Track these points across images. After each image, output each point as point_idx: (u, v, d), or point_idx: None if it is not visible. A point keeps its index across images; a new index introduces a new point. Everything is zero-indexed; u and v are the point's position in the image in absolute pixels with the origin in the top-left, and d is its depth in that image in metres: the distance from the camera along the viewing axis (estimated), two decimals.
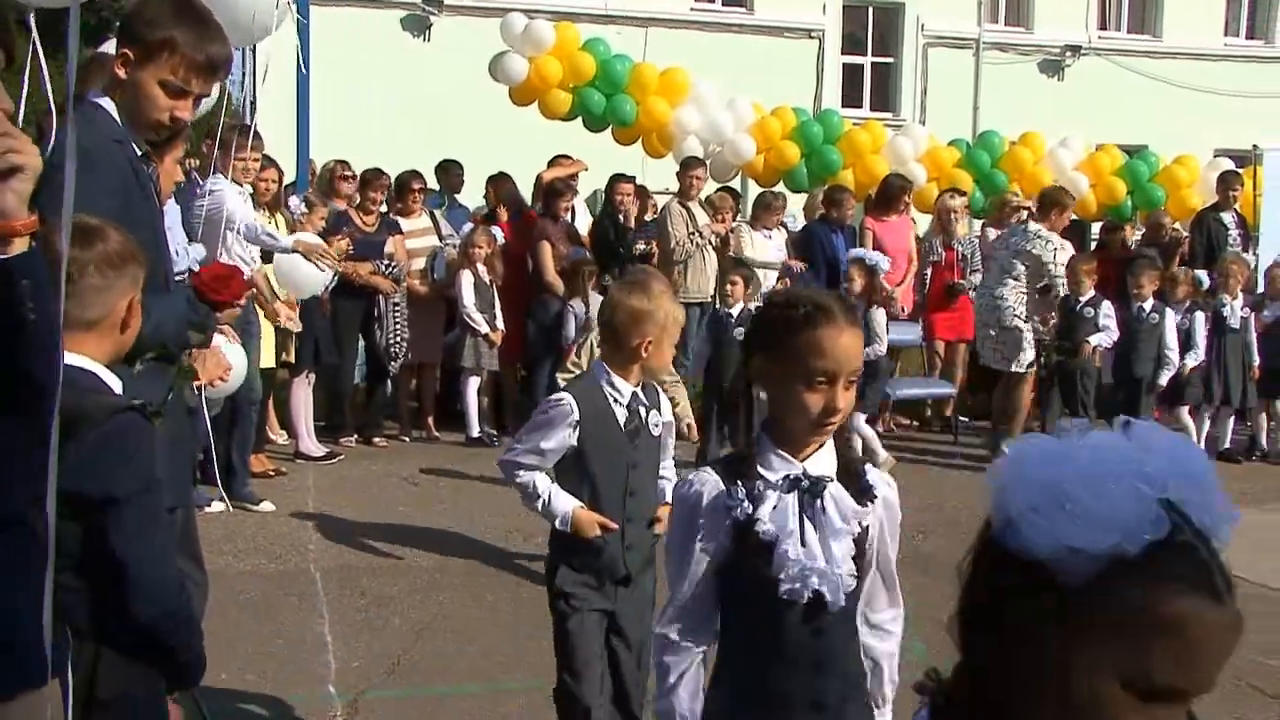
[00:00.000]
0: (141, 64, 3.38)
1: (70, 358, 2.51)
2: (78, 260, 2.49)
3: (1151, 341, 9.92)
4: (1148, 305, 9.96)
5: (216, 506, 7.74)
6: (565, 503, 3.83)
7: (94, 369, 2.55)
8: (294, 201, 10.44)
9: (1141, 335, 9.91)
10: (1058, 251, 9.99)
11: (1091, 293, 9.68)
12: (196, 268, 7.13)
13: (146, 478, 2.45)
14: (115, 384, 2.59)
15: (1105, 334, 9.57)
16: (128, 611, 2.40)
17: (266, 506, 7.94)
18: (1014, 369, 9.96)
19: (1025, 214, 11.77)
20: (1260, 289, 11.08)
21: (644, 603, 3.92)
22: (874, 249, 11.16)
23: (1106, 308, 9.61)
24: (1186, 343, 10.14)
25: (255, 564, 6.84)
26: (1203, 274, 11.07)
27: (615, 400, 3.83)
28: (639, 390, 3.89)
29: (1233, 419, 10.74)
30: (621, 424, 3.83)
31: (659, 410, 3.93)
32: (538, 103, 11.83)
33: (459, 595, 6.33)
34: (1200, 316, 10.25)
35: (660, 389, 4.10)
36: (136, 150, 3.49)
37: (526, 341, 10.42)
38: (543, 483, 3.87)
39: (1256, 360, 10.37)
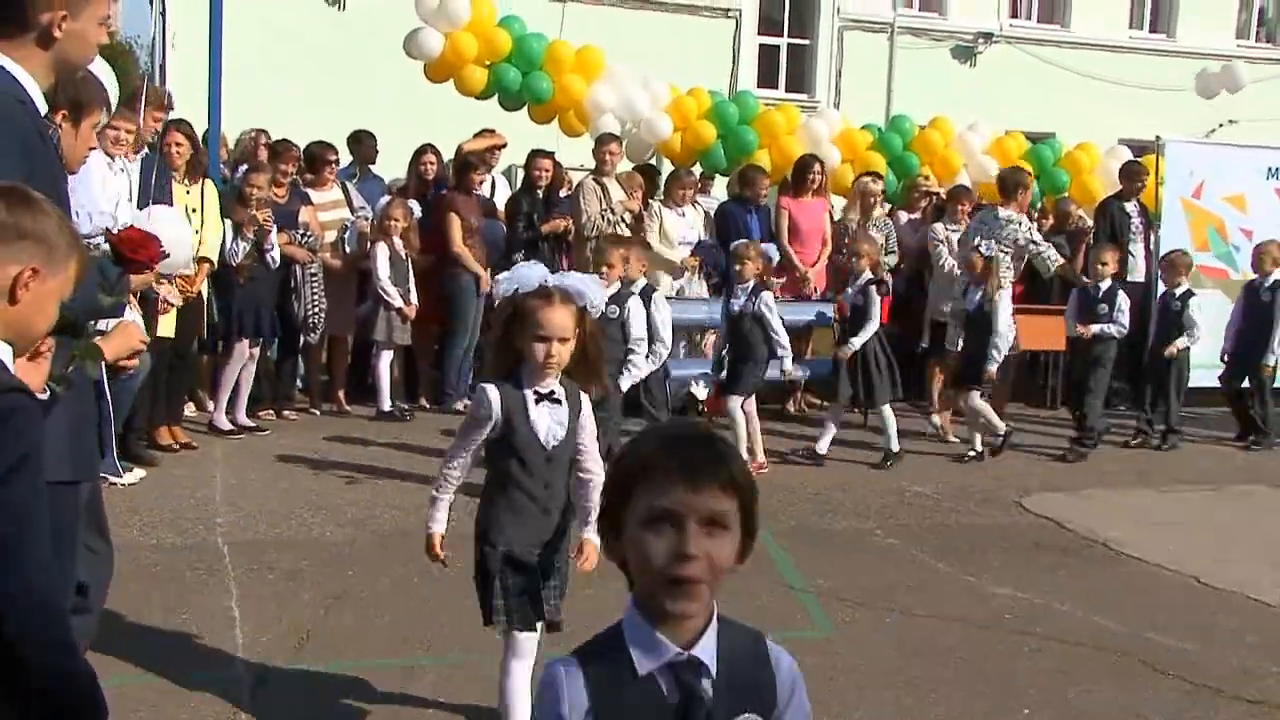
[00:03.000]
0: (78, 13, 3.41)
1: None
2: None
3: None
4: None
5: (131, 478, 7.64)
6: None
7: None
8: (239, 173, 10.29)
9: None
10: (1032, 230, 10.38)
11: (1108, 282, 10.11)
12: (100, 233, 7.05)
13: (24, 458, 2.33)
14: (6, 355, 2.51)
15: (1113, 325, 10.01)
16: None
17: (131, 478, 7.72)
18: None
19: (936, 198, 12.00)
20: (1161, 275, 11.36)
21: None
22: (789, 228, 11.31)
23: (1122, 299, 10.04)
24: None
25: (162, 538, 6.75)
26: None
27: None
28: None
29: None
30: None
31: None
32: (453, 79, 11.74)
33: (368, 569, 6.30)
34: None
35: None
36: (41, 109, 3.43)
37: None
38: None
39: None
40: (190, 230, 8.16)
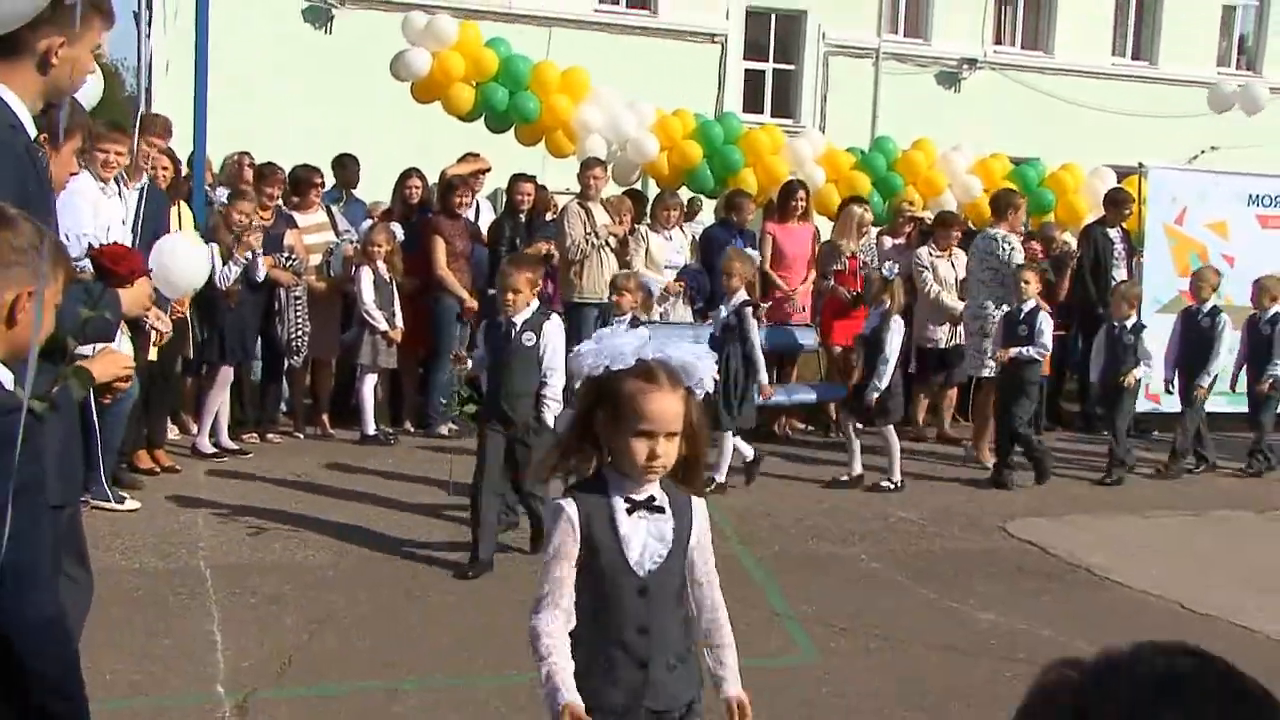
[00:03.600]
0: (74, 42, 3.45)
1: None
2: None
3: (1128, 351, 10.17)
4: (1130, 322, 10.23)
5: (129, 504, 7.64)
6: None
7: None
8: (220, 193, 10.31)
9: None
10: (1013, 251, 10.35)
11: (1031, 303, 9.81)
12: (86, 258, 7.02)
13: (29, 480, 2.37)
14: (6, 379, 2.53)
15: (1033, 348, 9.66)
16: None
17: (130, 505, 7.72)
18: (986, 374, 10.40)
19: (920, 223, 12.04)
20: (1145, 303, 11.40)
21: None
22: (774, 253, 11.33)
23: (1044, 320, 9.74)
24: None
25: (143, 561, 6.71)
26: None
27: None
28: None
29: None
30: None
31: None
32: (441, 100, 11.76)
33: (351, 593, 6.28)
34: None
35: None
36: (30, 135, 3.43)
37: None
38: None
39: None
40: (207, 253, 8.14)
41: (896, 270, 9.45)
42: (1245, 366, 10.81)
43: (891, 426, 9.33)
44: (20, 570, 2.33)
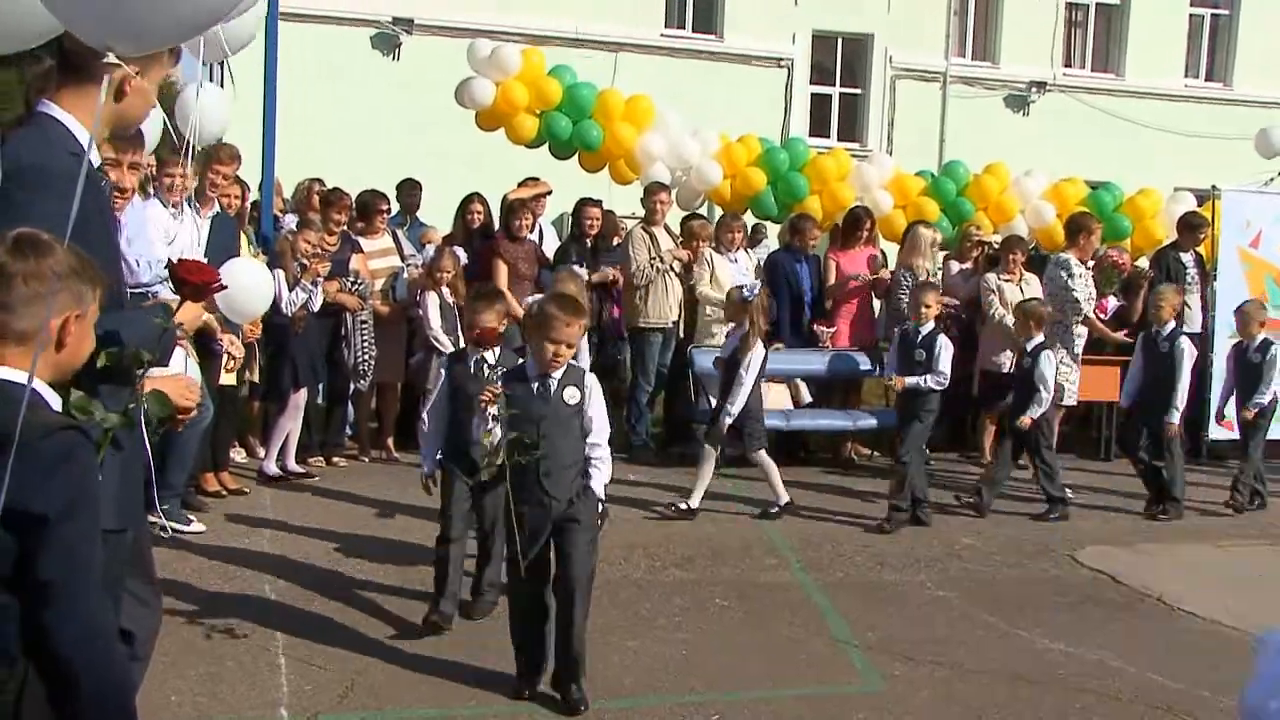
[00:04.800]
0: (146, 72, 3.52)
1: (8, 372, 2.49)
2: (7, 269, 2.49)
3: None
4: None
5: (196, 526, 7.73)
6: None
7: (32, 384, 2.52)
8: (288, 220, 10.43)
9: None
10: (1072, 278, 10.07)
11: (930, 325, 9.12)
12: (159, 282, 7.12)
13: (82, 498, 2.41)
14: (54, 401, 2.56)
15: (930, 376, 8.91)
16: (49, 631, 2.37)
17: (196, 528, 7.79)
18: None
19: (988, 248, 11.92)
20: (1218, 328, 11.20)
21: None
22: (835, 280, 11.27)
23: (943, 344, 9.02)
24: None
25: (208, 584, 6.77)
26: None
27: None
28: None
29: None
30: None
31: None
32: (504, 128, 11.83)
33: (415, 617, 6.29)
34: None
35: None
36: (95, 162, 3.48)
37: None
38: None
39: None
40: (270, 278, 8.21)
41: (757, 291, 8.94)
42: (1235, 397, 10.19)
43: (763, 451, 8.94)
44: (66, 588, 2.35)
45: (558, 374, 5.29)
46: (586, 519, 5.26)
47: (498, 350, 6.41)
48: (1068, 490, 9.48)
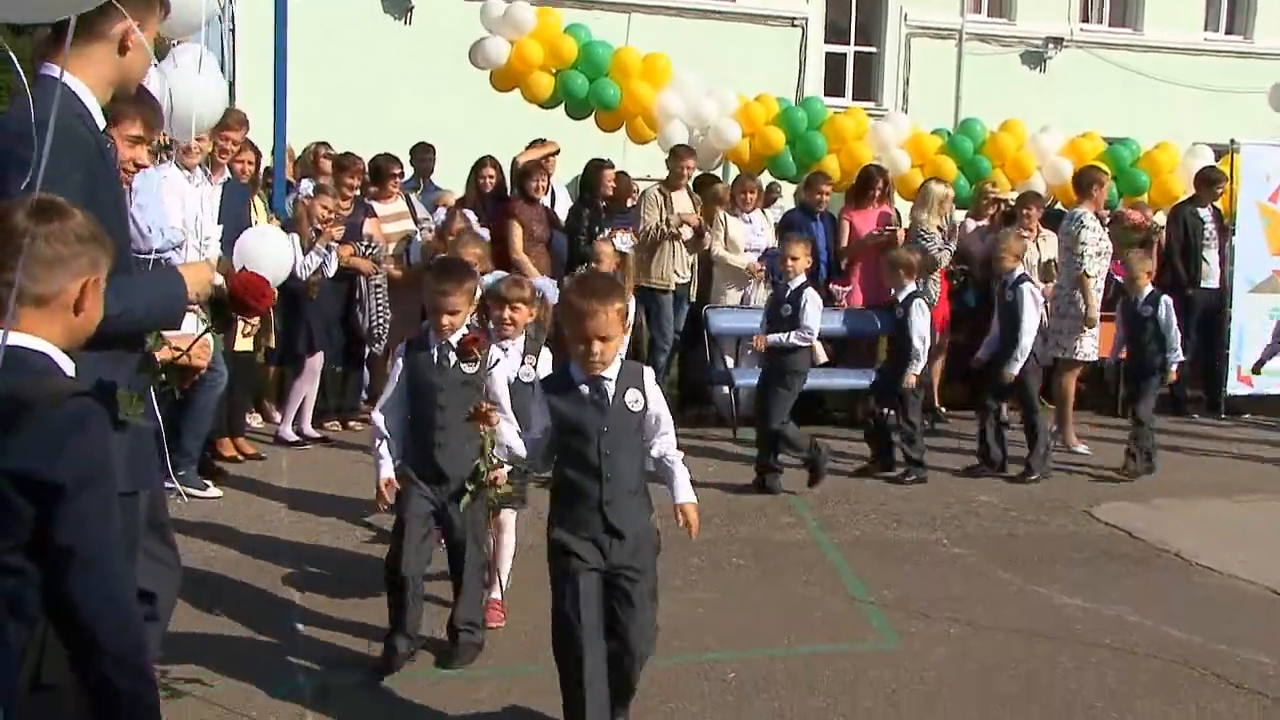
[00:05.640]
0: (144, 27, 3.48)
1: (22, 338, 2.49)
2: (29, 232, 2.48)
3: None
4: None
5: (212, 491, 7.78)
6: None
7: (46, 350, 2.53)
8: (304, 185, 10.43)
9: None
10: (1085, 231, 10.00)
11: (799, 279, 8.63)
12: (171, 248, 7.13)
13: (98, 466, 2.42)
14: (68, 366, 2.56)
15: (795, 333, 8.51)
16: (70, 598, 2.38)
17: (213, 493, 7.84)
18: (1064, 356, 10.04)
19: (1004, 206, 11.85)
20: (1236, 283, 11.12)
21: None
22: (849, 239, 11.20)
23: (810, 297, 8.56)
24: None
25: (226, 548, 6.80)
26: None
27: None
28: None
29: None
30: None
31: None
32: (519, 87, 11.77)
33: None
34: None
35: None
36: (99, 124, 3.46)
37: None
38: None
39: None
40: (290, 246, 8.22)
41: (630, 243, 8.70)
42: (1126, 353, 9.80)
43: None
44: (85, 555, 2.36)
45: (611, 373, 4.21)
46: (649, 564, 4.26)
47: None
48: (1082, 449, 9.47)
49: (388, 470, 5.25)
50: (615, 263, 8.79)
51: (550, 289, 6.15)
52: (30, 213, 2.53)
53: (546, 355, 5.97)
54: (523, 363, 5.87)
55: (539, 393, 4.33)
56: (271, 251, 7.55)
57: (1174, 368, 9.50)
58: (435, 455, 5.19)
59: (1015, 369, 9.04)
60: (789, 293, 8.61)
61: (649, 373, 4.42)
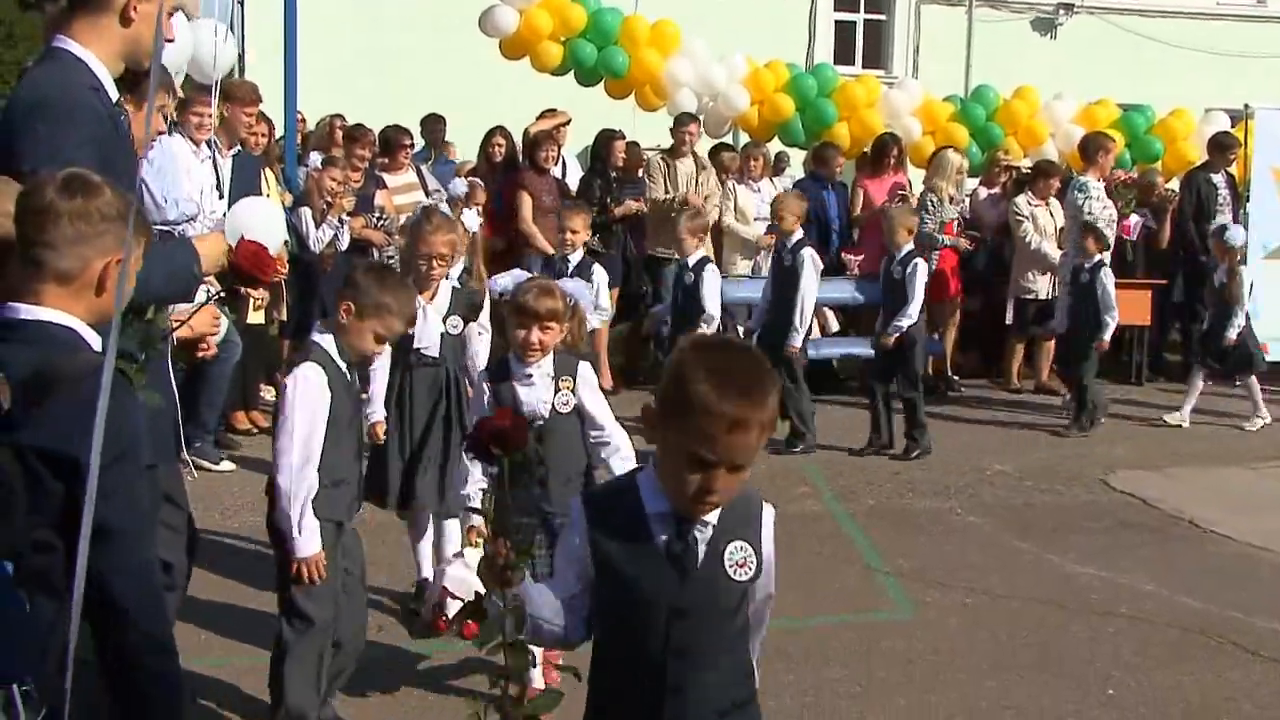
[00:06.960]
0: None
1: (48, 313, 2.48)
2: (55, 208, 2.47)
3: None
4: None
5: (226, 465, 7.85)
6: None
7: (73, 325, 2.52)
8: (313, 157, 10.40)
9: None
10: (1089, 199, 9.93)
11: (579, 254, 7.91)
12: (185, 220, 7.10)
13: (127, 441, 2.41)
14: (95, 342, 2.55)
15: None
16: (100, 574, 2.37)
17: (226, 466, 7.89)
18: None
19: (1016, 173, 11.79)
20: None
21: None
22: (863, 207, 11.16)
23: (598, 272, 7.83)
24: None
25: (240, 521, 6.81)
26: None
27: None
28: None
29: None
30: None
31: None
32: (529, 56, 11.71)
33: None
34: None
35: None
36: (112, 96, 3.45)
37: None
38: None
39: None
40: (281, 214, 8.16)
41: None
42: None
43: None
44: (114, 531, 2.36)
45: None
46: None
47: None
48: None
49: None
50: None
51: (583, 293, 4.70)
52: (59, 188, 2.52)
53: (587, 370, 4.60)
54: (557, 389, 4.50)
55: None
56: (262, 223, 7.46)
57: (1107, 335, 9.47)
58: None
59: (797, 341, 8.56)
60: (571, 267, 7.65)
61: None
